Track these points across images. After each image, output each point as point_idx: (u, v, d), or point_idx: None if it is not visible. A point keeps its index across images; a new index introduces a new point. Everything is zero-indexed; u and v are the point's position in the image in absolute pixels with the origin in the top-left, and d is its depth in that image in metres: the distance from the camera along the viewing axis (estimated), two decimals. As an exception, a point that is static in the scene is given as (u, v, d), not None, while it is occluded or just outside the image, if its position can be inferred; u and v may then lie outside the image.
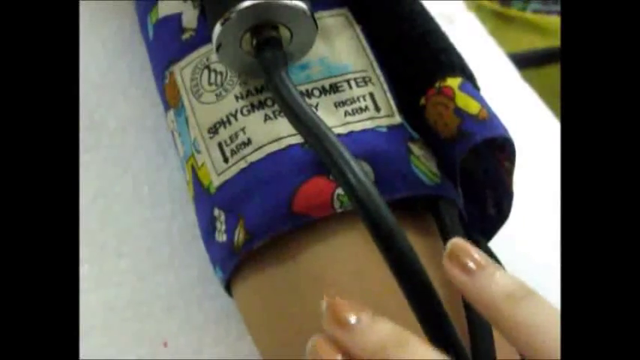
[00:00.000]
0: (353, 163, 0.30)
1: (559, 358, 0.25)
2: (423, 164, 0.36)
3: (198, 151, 0.37)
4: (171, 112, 0.39)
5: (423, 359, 0.26)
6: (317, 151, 0.32)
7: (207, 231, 0.37)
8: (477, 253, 0.28)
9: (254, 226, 0.34)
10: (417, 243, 0.31)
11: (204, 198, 0.37)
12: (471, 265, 0.28)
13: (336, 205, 0.33)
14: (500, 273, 0.28)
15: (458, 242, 0.29)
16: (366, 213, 0.29)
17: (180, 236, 0.44)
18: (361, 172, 0.30)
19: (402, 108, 0.37)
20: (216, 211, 0.36)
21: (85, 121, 0.47)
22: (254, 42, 0.35)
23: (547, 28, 0.78)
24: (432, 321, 0.29)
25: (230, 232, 0.35)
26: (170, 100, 0.39)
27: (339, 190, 0.33)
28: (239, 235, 0.34)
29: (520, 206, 0.38)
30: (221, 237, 0.35)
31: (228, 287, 0.37)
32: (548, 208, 0.48)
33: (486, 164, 0.38)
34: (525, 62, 0.60)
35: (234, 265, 0.35)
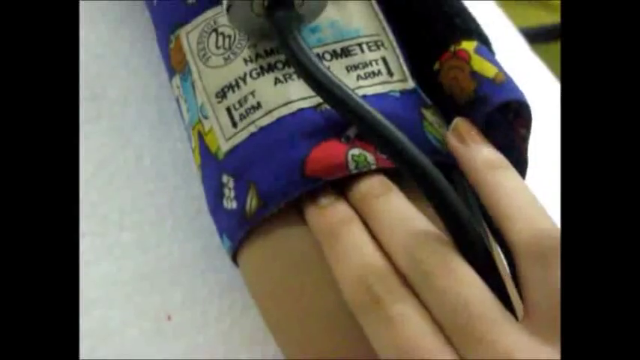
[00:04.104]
0: (383, 119, 0.31)
1: (519, 222, 0.30)
2: (436, 130, 0.35)
3: (206, 117, 0.36)
4: (177, 78, 0.38)
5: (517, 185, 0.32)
6: (340, 112, 0.31)
7: (215, 198, 0.36)
8: (474, 131, 0.34)
9: (267, 192, 0.33)
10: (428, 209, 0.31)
11: (211, 164, 0.35)
12: (468, 139, 0.33)
13: (351, 166, 0.32)
14: (488, 148, 0.33)
15: (462, 121, 0.34)
16: (412, 168, 0.30)
17: (183, 209, 0.43)
18: (394, 127, 0.30)
19: (416, 74, 0.36)
20: (225, 178, 0.35)
21: (86, 91, 0.46)
22: (265, 3, 0.34)
23: (555, 4, 0.77)
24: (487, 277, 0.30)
25: (241, 198, 0.34)
26: (175, 65, 0.38)
27: (354, 151, 0.32)
28: (251, 202, 0.33)
29: (530, 179, 0.38)
30: (230, 204, 0.34)
31: (235, 257, 0.36)
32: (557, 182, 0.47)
33: (501, 133, 0.37)
34: (533, 38, 0.59)
35: (244, 233, 0.34)
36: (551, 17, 0.77)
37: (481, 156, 0.33)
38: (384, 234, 0.31)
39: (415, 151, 0.30)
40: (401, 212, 0.31)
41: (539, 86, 0.52)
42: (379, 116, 0.31)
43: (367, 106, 0.31)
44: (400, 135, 0.30)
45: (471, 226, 0.30)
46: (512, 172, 0.32)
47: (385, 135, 0.30)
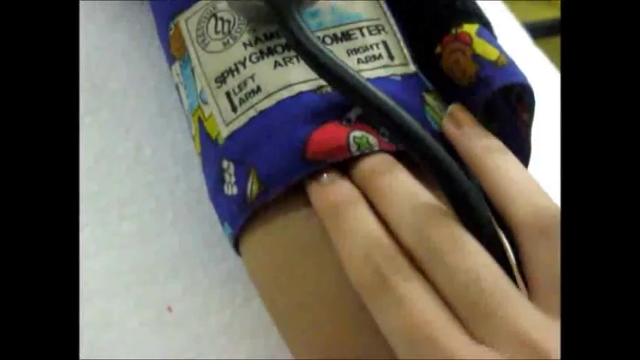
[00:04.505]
0: (388, 99, 0.31)
1: (520, 200, 0.30)
2: (437, 115, 0.35)
3: (205, 102, 0.35)
4: (177, 65, 0.38)
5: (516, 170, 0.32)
6: (343, 92, 0.31)
7: (215, 185, 0.35)
8: (470, 116, 0.34)
9: (267, 176, 0.33)
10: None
11: (211, 150, 0.35)
12: (464, 124, 0.34)
13: (353, 148, 0.32)
14: (484, 132, 0.33)
15: (457, 106, 0.34)
16: (417, 146, 0.30)
17: (184, 199, 0.43)
18: (399, 107, 0.30)
19: (417, 58, 0.36)
20: (225, 163, 0.34)
21: (86, 83, 0.45)
22: (264, -14, 0.34)
23: (555, 2, 0.76)
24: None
25: (241, 184, 0.34)
26: (175, 52, 0.38)
27: (355, 133, 0.32)
28: (252, 187, 0.33)
29: (533, 170, 0.37)
30: (230, 190, 0.34)
31: (237, 245, 0.36)
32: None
33: (504, 119, 0.36)
34: (534, 32, 0.58)
35: (245, 219, 0.34)
36: (552, 13, 0.77)
37: (478, 140, 0.33)
38: (390, 211, 0.31)
39: (421, 129, 0.30)
40: (407, 188, 0.31)
41: (541, 78, 0.52)
42: (384, 96, 0.31)
43: (371, 86, 0.31)
44: (405, 114, 0.30)
45: (479, 205, 0.30)
46: (509, 155, 0.33)
47: (391, 114, 0.30)
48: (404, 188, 0.31)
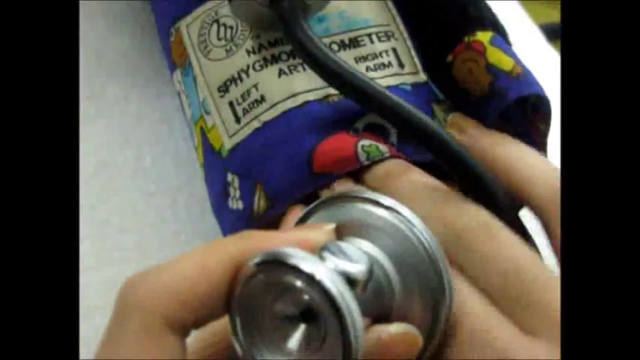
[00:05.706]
0: (406, 103, 0.29)
1: (543, 181, 0.30)
2: (443, 127, 0.33)
3: (208, 112, 0.34)
4: (178, 72, 0.37)
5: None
6: (356, 99, 0.31)
7: (219, 198, 0.34)
8: (472, 121, 0.33)
9: (275, 191, 0.32)
10: None
11: (215, 163, 0.34)
12: (467, 128, 0.33)
13: (362, 157, 0.31)
14: (490, 131, 0.33)
15: (456, 114, 0.34)
16: (441, 148, 0.29)
17: (186, 210, 0.41)
18: (418, 111, 0.29)
19: (427, 67, 0.35)
20: (230, 176, 0.33)
21: (84, 90, 0.44)
22: (269, -9, 0.32)
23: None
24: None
25: (247, 198, 0.32)
26: (176, 59, 0.37)
27: (364, 142, 0.31)
28: (259, 202, 0.32)
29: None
30: (235, 204, 0.33)
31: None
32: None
33: (519, 129, 0.35)
34: (547, 34, 0.57)
35: None
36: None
37: (486, 137, 0.32)
38: (413, 207, 0.29)
39: (440, 130, 0.29)
40: (427, 184, 0.30)
41: (555, 78, 0.50)
42: (401, 100, 0.29)
43: (388, 92, 0.30)
44: (424, 116, 0.29)
45: (504, 196, 0.29)
46: (519, 143, 0.32)
47: (411, 119, 0.29)
48: (424, 184, 0.30)
